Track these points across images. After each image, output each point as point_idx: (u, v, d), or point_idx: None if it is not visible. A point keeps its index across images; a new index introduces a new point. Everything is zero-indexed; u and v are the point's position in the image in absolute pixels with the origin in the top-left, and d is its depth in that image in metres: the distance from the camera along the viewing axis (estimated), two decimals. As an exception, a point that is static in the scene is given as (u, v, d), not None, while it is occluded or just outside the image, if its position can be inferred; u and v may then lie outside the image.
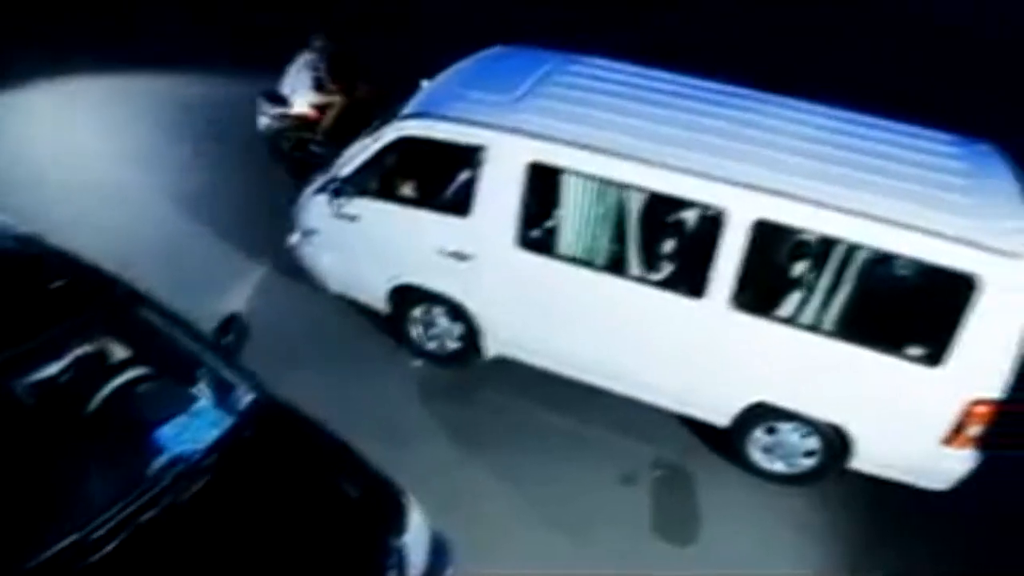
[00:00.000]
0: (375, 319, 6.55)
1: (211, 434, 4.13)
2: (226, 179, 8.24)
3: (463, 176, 5.90)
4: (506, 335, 6.00)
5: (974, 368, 4.80)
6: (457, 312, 6.06)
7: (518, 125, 5.42)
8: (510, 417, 6.06)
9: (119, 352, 4.47)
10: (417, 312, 6.25)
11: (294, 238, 6.42)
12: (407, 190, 6.17)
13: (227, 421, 4.23)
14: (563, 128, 5.33)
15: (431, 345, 6.37)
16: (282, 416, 4.44)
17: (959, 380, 4.84)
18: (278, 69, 7.94)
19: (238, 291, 6.83)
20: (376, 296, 6.31)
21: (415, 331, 6.36)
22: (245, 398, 4.34)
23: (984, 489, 5.18)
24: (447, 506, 4.91)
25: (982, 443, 5.04)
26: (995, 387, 4.79)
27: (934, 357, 4.85)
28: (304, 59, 7.82)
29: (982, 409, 4.86)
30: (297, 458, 4.31)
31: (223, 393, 4.33)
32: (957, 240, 4.65)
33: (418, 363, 6.46)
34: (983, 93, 10.10)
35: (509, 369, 6.18)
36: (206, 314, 4.81)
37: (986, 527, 5.47)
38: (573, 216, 5.40)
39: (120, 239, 7.01)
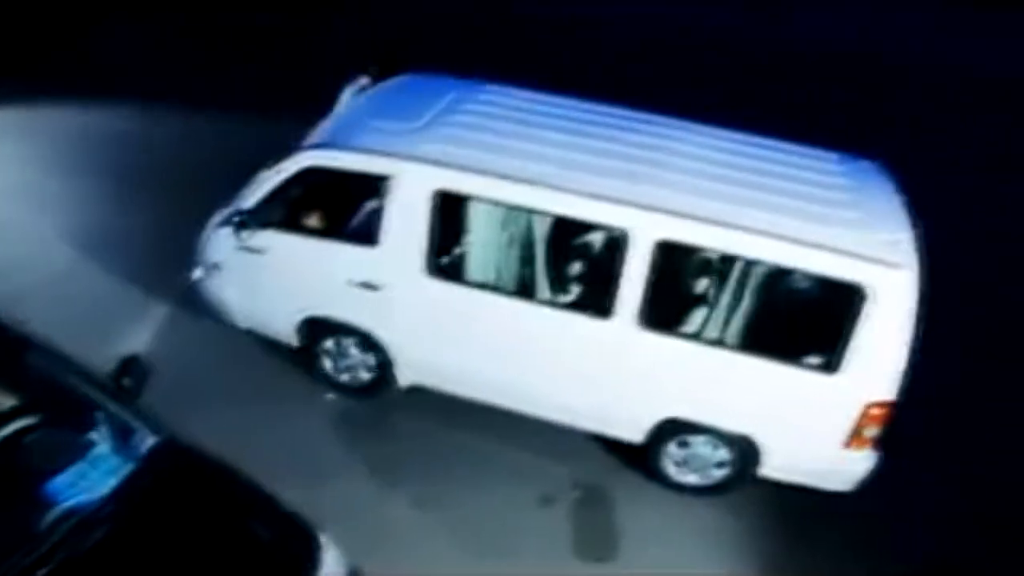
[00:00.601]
0: (285, 354, 6.40)
1: (109, 483, 3.94)
2: (125, 213, 7.96)
3: (370, 206, 5.86)
4: (419, 363, 5.97)
5: (868, 373, 5.04)
6: (369, 342, 5.99)
7: (423, 154, 5.44)
8: (427, 445, 6.01)
9: (7, 400, 4.22)
10: (328, 344, 6.14)
11: (198, 273, 6.23)
12: (314, 221, 6.07)
13: (127, 468, 4.04)
14: (468, 155, 5.38)
15: (344, 377, 6.27)
16: (188, 459, 4.28)
17: (855, 385, 5.08)
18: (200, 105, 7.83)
19: (139, 330, 6.54)
20: (285, 330, 6.18)
21: (327, 364, 6.25)
22: (146, 443, 4.16)
23: (886, 489, 5.43)
24: (369, 540, 4.87)
25: (880, 444, 5.29)
26: (888, 390, 5.05)
27: (831, 365, 5.08)
28: (358, 84, 7.92)
29: (877, 411, 5.11)
30: (205, 501, 4.16)
31: (122, 439, 4.14)
32: (845, 253, 4.90)
33: (331, 396, 6.34)
34: (870, 114, 10.73)
35: (425, 397, 6.14)
36: (104, 356, 4.61)
37: (889, 526, 5.72)
38: (481, 242, 5.43)
39: (10, 276, 6.69)
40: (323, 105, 6.34)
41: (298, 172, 5.71)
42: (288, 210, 5.95)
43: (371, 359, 6.09)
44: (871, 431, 5.19)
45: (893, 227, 5.23)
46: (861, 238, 5.01)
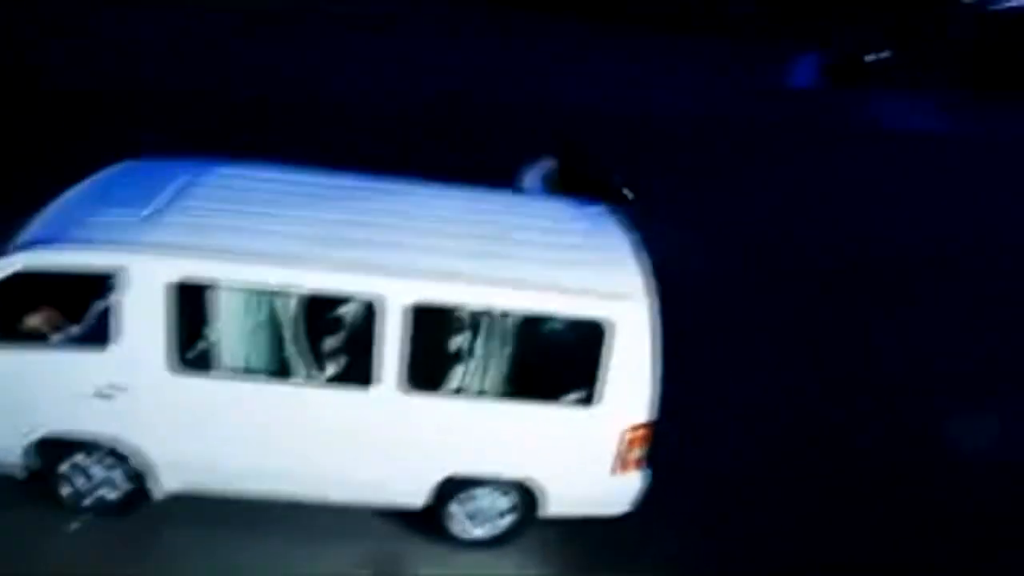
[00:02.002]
0: (13, 486, 5.63)
1: None
2: None
3: (99, 305, 5.37)
4: (176, 468, 5.50)
5: (622, 400, 5.40)
6: (116, 455, 5.44)
7: (156, 242, 5.13)
8: (200, 557, 5.53)
9: None
10: (66, 466, 5.50)
11: None
12: (32, 329, 5.45)
13: None
14: (205, 240, 5.15)
15: (90, 500, 5.63)
16: None
17: (612, 414, 5.42)
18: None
19: None
20: (11, 458, 5.45)
21: (68, 488, 5.58)
22: None
23: (670, 506, 5.82)
24: None
25: (645, 464, 5.66)
26: (642, 413, 5.43)
27: (588, 398, 5.38)
28: (540, 165, 9.24)
29: (636, 434, 5.48)
30: None
31: None
32: (585, 292, 5.26)
33: (77, 525, 5.63)
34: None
35: (190, 503, 5.67)
36: None
37: (679, 539, 6.13)
38: (229, 329, 5.17)
39: None
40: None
41: (8, 277, 5.12)
42: (-1, 320, 5.30)
43: (119, 473, 5.53)
44: (634, 453, 5.54)
45: (624, 263, 5.69)
46: (597, 277, 5.41)
